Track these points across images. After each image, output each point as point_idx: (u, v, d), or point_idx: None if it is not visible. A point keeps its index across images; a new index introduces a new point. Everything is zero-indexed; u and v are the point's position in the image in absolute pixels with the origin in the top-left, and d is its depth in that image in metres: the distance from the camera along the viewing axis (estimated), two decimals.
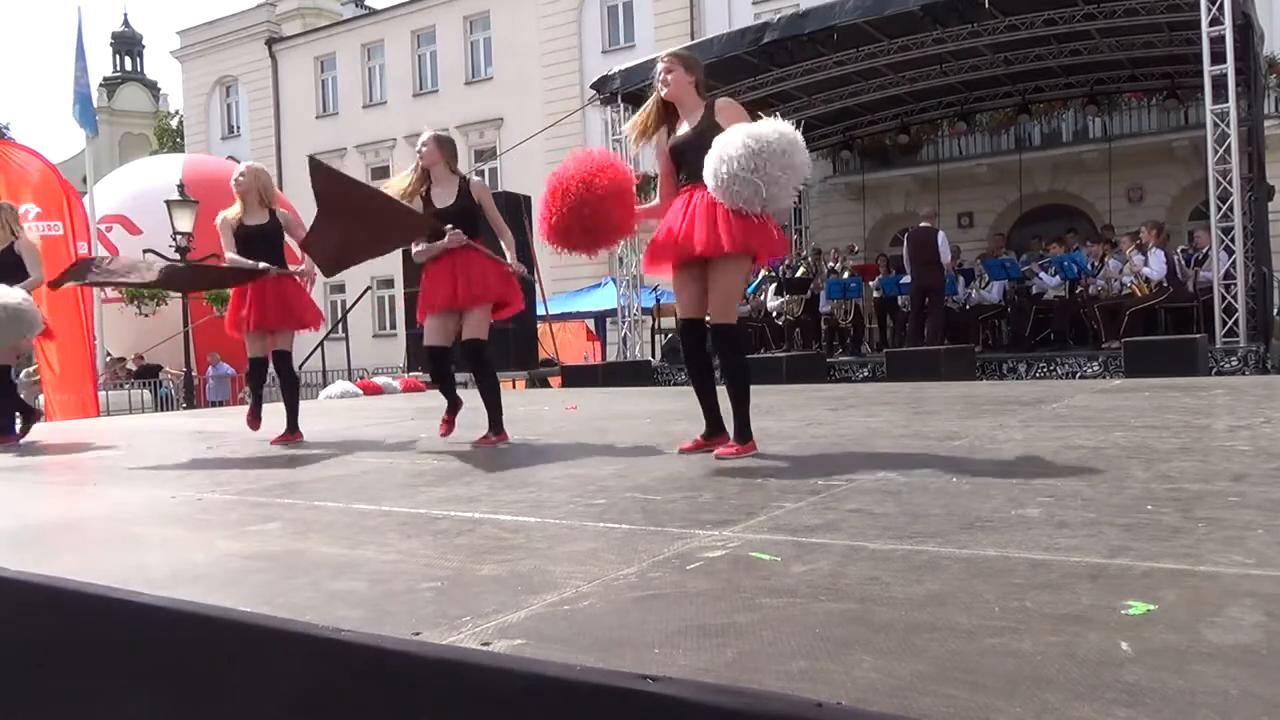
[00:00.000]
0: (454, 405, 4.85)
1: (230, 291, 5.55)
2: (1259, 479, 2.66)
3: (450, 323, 4.70)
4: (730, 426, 3.68)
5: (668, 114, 3.82)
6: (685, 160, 3.68)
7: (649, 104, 3.84)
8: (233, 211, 5.33)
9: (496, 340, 12.25)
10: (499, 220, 4.78)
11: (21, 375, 9.13)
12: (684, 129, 3.74)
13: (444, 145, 4.79)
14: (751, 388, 3.66)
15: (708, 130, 3.56)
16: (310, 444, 5.08)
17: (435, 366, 4.88)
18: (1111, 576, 1.73)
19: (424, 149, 4.72)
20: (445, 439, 4.74)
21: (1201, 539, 1.99)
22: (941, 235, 11.40)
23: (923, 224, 11.56)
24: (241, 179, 5.34)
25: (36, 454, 5.45)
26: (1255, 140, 10.75)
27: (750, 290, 13.05)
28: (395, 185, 4.71)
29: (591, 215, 3.67)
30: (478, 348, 4.68)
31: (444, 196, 4.69)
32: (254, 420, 5.39)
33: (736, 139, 3.33)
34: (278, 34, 30.15)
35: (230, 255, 5.25)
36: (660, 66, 3.76)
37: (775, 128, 3.34)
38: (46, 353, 11.29)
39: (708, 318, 3.68)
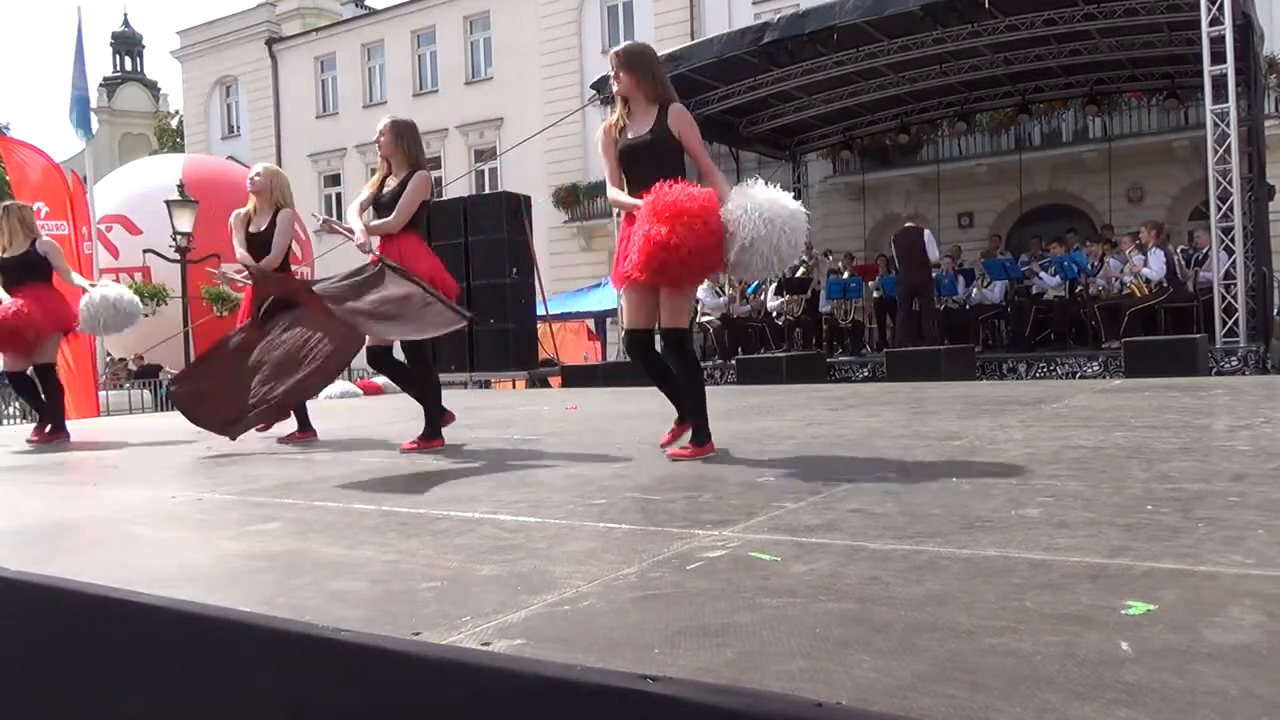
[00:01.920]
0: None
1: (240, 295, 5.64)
2: (1259, 479, 2.66)
3: None
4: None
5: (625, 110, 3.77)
6: (636, 163, 3.63)
7: (619, 108, 3.81)
8: (244, 210, 5.38)
9: (496, 340, 12.31)
10: (404, 207, 4.48)
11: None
12: (634, 131, 3.70)
13: (402, 134, 4.56)
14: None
15: (659, 136, 3.61)
16: (310, 444, 5.08)
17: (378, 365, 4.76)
18: (1111, 576, 1.73)
19: (381, 139, 4.58)
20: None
21: (1201, 539, 1.99)
22: (927, 234, 11.50)
23: (908, 224, 11.72)
24: (258, 179, 5.36)
25: (37, 454, 5.45)
26: (1255, 140, 10.76)
27: (750, 290, 13.07)
28: (366, 190, 4.62)
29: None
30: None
31: (391, 184, 4.58)
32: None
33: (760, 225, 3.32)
34: (278, 34, 30.14)
35: (241, 252, 5.25)
36: (612, 65, 3.73)
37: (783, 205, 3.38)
38: (65, 352, 11.33)
39: (657, 326, 3.75)
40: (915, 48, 12.43)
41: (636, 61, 3.70)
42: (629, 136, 3.71)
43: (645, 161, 3.62)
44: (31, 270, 5.98)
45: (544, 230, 20.14)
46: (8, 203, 6.38)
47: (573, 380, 11.77)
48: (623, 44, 3.93)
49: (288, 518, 2.82)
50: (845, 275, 12.82)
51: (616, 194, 3.75)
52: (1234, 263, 9.38)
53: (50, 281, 6.10)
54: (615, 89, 3.75)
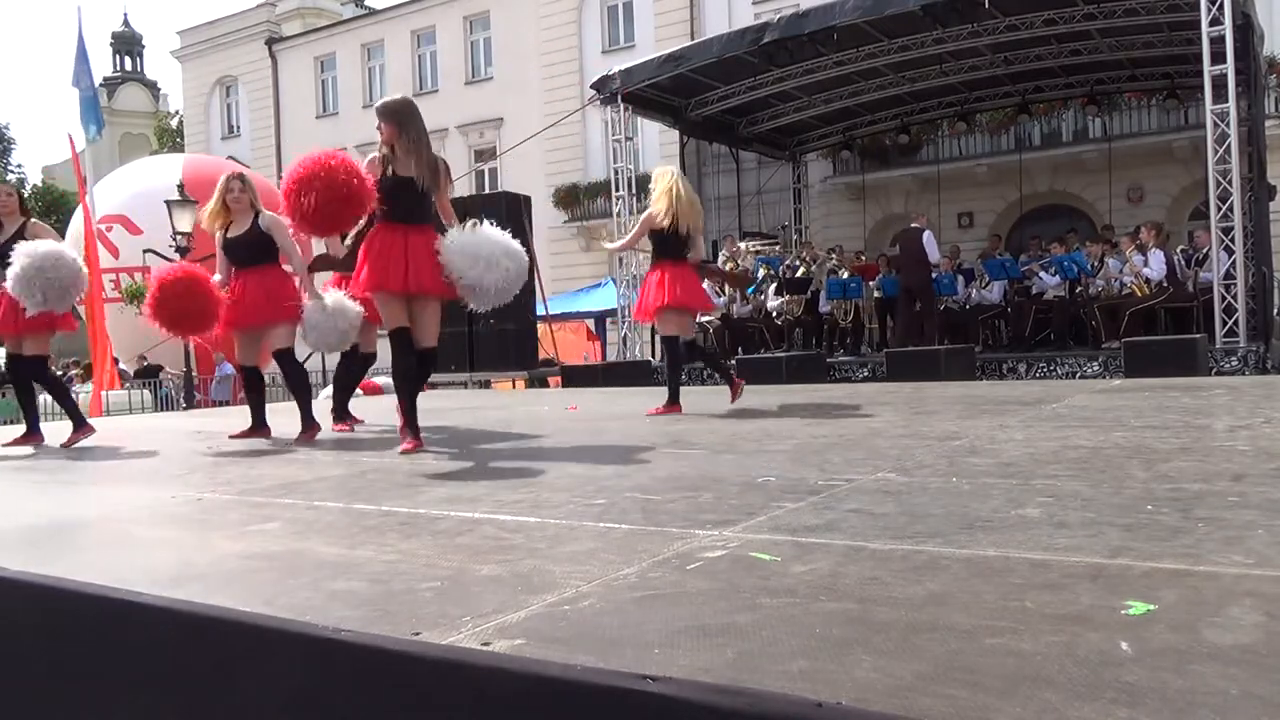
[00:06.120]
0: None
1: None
2: (1259, 479, 2.65)
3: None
4: None
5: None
6: (400, 200, 4.35)
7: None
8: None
9: (496, 340, 12.29)
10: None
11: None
12: (398, 168, 4.42)
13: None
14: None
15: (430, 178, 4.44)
16: (311, 444, 5.08)
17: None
18: (1111, 576, 1.73)
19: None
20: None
21: (1201, 539, 1.99)
22: (927, 234, 11.55)
23: (912, 225, 11.77)
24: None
25: (37, 454, 5.45)
26: (1255, 140, 10.76)
27: (750, 291, 13.07)
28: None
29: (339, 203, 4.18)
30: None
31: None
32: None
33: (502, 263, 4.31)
34: (278, 34, 30.14)
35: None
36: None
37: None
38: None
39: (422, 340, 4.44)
40: (915, 48, 12.44)
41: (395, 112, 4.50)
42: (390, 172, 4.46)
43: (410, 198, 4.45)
44: (261, 250, 5.36)
45: (544, 230, 20.13)
46: (238, 171, 5.76)
47: (573, 380, 11.76)
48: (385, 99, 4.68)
49: (287, 518, 2.82)
50: (845, 275, 12.83)
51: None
52: (1234, 263, 9.39)
53: (277, 262, 5.41)
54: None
